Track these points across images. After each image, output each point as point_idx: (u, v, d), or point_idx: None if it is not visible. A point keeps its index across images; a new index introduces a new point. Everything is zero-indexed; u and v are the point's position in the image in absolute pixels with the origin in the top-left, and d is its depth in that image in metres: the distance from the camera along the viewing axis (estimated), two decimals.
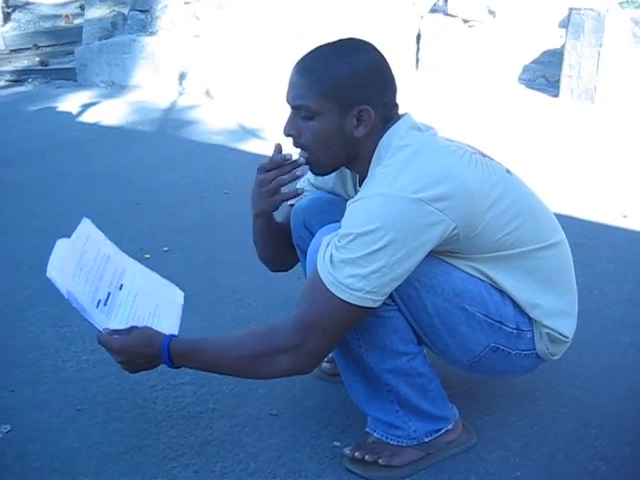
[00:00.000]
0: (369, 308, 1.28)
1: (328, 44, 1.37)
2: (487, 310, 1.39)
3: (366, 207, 1.27)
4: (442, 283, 1.37)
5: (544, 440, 1.59)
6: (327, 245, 1.29)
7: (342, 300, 1.25)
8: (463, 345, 1.42)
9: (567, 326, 1.48)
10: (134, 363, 1.44)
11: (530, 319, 1.43)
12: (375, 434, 1.50)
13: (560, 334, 1.45)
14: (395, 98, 1.40)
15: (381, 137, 1.36)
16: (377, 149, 1.37)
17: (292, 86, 1.37)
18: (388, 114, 1.38)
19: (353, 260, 1.24)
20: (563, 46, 5.17)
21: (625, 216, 2.99)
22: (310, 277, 1.33)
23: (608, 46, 4.80)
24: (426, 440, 1.48)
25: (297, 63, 1.37)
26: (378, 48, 1.39)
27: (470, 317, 1.39)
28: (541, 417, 1.66)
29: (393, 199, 1.25)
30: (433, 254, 1.35)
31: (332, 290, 1.26)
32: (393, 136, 1.36)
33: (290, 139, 1.42)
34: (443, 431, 1.50)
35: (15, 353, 2.00)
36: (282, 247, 1.68)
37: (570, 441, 1.58)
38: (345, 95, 1.33)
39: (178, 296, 1.69)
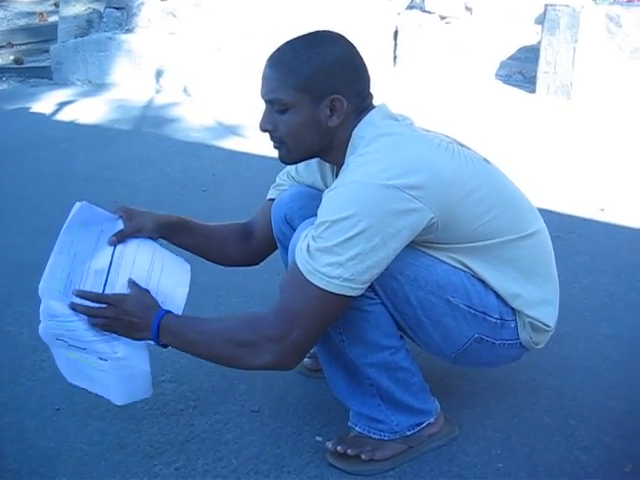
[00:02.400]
0: (348, 297, 1.27)
1: (298, 37, 1.37)
2: (470, 301, 1.39)
3: (340, 195, 1.27)
4: (425, 276, 1.37)
5: (525, 432, 1.59)
6: (305, 236, 1.29)
7: (320, 288, 1.25)
8: (447, 337, 1.42)
9: (549, 315, 1.48)
10: (118, 322, 1.39)
11: (513, 309, 1.44)
12: (357, 428, 1.50)
13: (542, 323, 1.46)
14: (368, 88, 1.40)
15: (355, 126, 1.36)
16: (351, 139, 1.37)
17: (264, 80, 1.37)
18: (362, 104, 1.38)
19: (329, 248, 1.24)
20: (539, 42, 5.22)
21: (602, 209, 3.02)
22: (289, 269, 1.33)
23: (583, 42, 4.85)
24: (408, 434, 1.49)
25: (268, 58, 1.38)
26: (348, 39, 1.39)
27: (454, 309, 1.39)
28: (522, 409, 1.67)
29: (366, 186, 1.25)
30: (415, 246, 1.35)
31: (310, 279, 1.25)
32: (367, 125, 1.36)
33: (266, 134, 1.41)
34: (425, 424, 1.50)
35: None
36: (224, 249, 1.68)
37: (550, 432, 1.59)
38: (316, 86, 1.33)
39: (185, 269, 1.59)
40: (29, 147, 4.28)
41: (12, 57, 7.53)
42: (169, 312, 1.41)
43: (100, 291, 1.44)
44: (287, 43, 1.37)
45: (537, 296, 1.46)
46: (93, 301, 1.39)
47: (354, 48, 1.38)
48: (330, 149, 1.40)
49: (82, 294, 1.39)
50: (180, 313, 1.47)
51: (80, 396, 1.75)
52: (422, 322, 1.41)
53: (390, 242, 1.26)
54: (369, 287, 1.33)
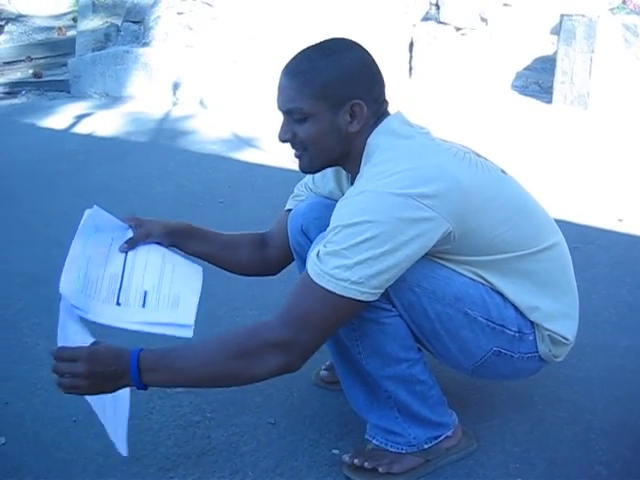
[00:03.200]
0: (357, 301, 1.25)
1: (312, 46, 1.37)
2: (489, 314, 1.38)
3: (352, 203, 1.27)
4: (443, 288, 1.36)
5: (544, 445, 1.57)
6: (317, 244, 1.30)
7: (328, 291, 1.23)
8: (465, 350, 1.41)
9: (568, 328, 1.47)
10: (97, 377, 1.27)
11: (532, 322, 1.42)
12: (374, 441, 1.49)
13: (562, 336, 1.44)
14: (384, 93, 1.40)
15: (370, 134, 1.36)
16: (366, 147, 1.36)
17: (282, 91, 1.36)
18: (379, 110, 1.38)
19: (338, 252, 1.23)
20: (555, 52, 5.20)
21: (620, 220, 3.00)
22: (300, 276, 1.32)
23: (600, 52, 4.82)
24: (426, 447, 1.47)
25: (284, 68, 1.37)
26: (362, 45, 1.38)
27: (472, 322, 1.38)
28: (541, 422, 1.65)
29: (379, 195, 1.24)
30: (432, 259, 1.34)
31: (317, 281, 1.24)
32: (381, 134, 1.35)
33: (286, 144, 1.41)
34: (443, 437, 1.49)
35: (9, 365, 1.98)
36: (237, 257, 1.68)
37: (570, 446, 1.57)
38: (335, 93, 1.32)
39: (196, 272, 1.58)
40: (47, 160, 4.31)
41: (31, 71, 7.62)
42: (143, 349, 1.30)
43: (116, 295, 1.43)
44: (302, 52, 1.37)
45: (555, 309, 1.44)
46: (63, 358, 1.28)
47: (369, 54, 1.38)
48: (348, 156, 1.40)
49: (58, 353, 1.29)
50: (193, 319, 1.42)
51: None
52: (440, 335, 1.40)
53: (402, 249, 1.24)
54: (386, 299, 1.33)
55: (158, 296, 1.48)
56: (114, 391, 1.32)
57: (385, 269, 1.24)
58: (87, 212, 1.53)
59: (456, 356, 1.44)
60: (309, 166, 1.43)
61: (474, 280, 1.38)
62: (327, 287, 1.24)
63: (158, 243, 1.57)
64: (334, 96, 1.33)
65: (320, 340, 1.31)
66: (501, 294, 1.40)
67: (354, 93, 1.33)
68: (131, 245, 1.52)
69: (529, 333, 1.42)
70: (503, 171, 1.45)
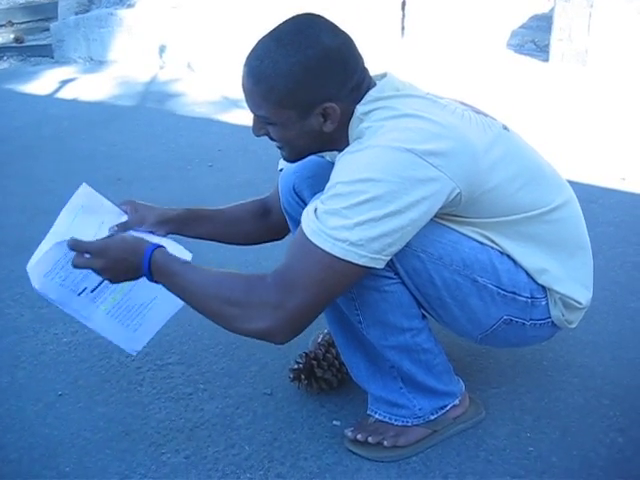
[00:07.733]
0: (355, 266, 1.14)
1: (273, 36, 1.22)
2: (499, 281, 1.29)
3: (355, 158, 1.16)
4: (450, 254, 1.26)
5: (555, 413, 1.50)
6: (313, 200, 1.19)
7: (324, 251, 1.13)
8: (474, 318, 1.32)
9: (578, 292, 1.37)
10: (116, 269, 1.28)
11: (543, 285, 1.33)
12: (377, 416, 1.41)
13: (574, 300, 1.36)
14: (362, 74, 1.25)
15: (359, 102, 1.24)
16: (356, 116, 1.23)
17: (246, 93, 1.24)
18: (359, 93, 1.24)
19: (337, 211, 1.12)
20: (551, 10, 5.07)
21: (623, 179, 2.91)
22: (296, 233, 1.21)
23: (599, 6, 4.68)
24: (432, 417, 1.39)
25: (245, 63, 1.24)
26: (327, 21, 1.23)
27: (481, 289, 1.29)
28: (551, 388, 1.58)
29: (383, 149, 1.14)
30: (439, 222, 1.24)
31: (314, 240, 1.14)
32: (371, 102, 1.23)
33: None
34: (449, 407, 1.41)
35: None
36: (242, 231, 1.61)
37: (583, 412, 1.50)
38: (303, 99, 1.20)
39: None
40: (31, 126, 4.20)
41: (12, 36, 7.44)
42: (159, 246, 1.28)
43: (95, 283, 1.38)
44: (262, 45, 1.22)
45: (564, 272, 1.35)
46: (77, 251, 1.28)
47: (337, 36, 1.22)
48: (333, 141, 1.28)
49: (71, 244, 1.28)
50: (141, 347, 1.44)
51: (84, 380, 1.68)
52: (446, 303, 1.30)
53: (407, 212, 1.14)
54: (388, 267, 1.23)
55: (123, 312, 1.42)
56: (137, 279, 1.31)
57: (388, 232, 1.14)
58: (82, 186, 1.43)
59: (464, 325, 1.35)
60: (291, 157, 1.34)
61: (483, 244, 1.28)
62: (323, 247, 1.13)
63: (151, 232, 1.47)
64: (303, 102, 1.20)
65: (310, 308, 1.18)
66: (511, 258, 1.30)
67: (324, 95, 1.20)
68: (121, 229, 1.43)
69: (541, 298, 1.33)
70: (505, 127, 1.34)
